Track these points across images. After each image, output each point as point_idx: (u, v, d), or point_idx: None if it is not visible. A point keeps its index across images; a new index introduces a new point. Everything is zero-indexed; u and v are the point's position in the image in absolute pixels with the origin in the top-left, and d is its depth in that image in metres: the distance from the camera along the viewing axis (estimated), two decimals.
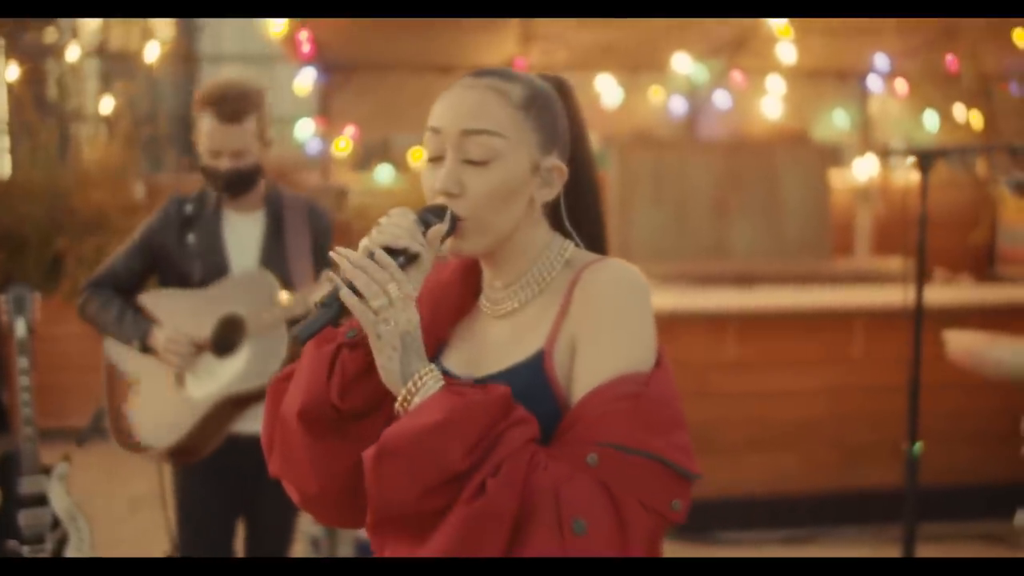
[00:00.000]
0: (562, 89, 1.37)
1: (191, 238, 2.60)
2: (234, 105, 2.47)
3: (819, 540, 4.27)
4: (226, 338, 2.57)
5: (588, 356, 1.24)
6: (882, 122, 6.93)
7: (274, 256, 2.59)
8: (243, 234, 2.63)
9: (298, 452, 1.28)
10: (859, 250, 6.71)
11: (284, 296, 2.51)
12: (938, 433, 4.37)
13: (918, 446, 2.65)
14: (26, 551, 3.01)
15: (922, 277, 2.73)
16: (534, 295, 1.32)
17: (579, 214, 1.37)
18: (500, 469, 1.16)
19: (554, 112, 1.33)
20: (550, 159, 1.32)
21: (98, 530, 3.77)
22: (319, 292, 2.33)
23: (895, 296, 4.19)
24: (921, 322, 2.72)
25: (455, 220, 1.28)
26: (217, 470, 2.63)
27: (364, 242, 1.25)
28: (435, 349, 1.37)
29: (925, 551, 4.07)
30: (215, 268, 2.59)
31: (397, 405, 1.23)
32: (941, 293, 5.12)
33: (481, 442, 1.17)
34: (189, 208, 2.62)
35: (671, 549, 4.26)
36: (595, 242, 1.38)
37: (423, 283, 1.29)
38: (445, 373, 1.27)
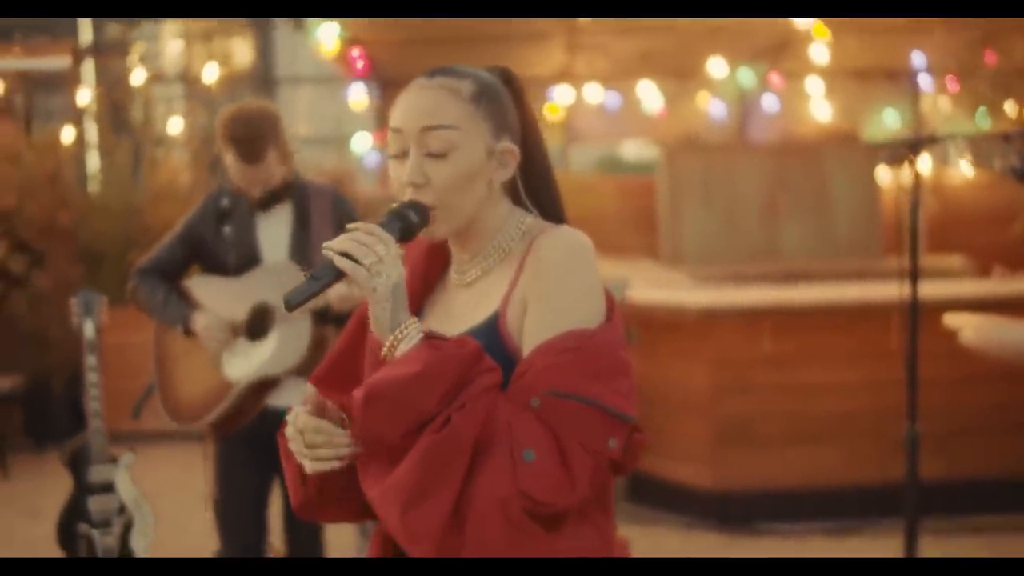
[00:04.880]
0: (508, 79, 1.53)
1: (227, 230, 2.84)
2: (252, 147, 2.70)
3: (860, 532, 4.31)
4: (257, 324, 2.80)
5: (536, 314, 1.41)
6: (934, 120, 6.92)
7: (302, 246, 2.81)
8: (274, 226, 2.85)
9: None
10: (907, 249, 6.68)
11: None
12: (980, 425, 4.40)
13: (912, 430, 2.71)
14: (96, 534, 3.27)
15: (916, 266, 2.80)
16: (496, 264, 1.48)
17: (535, 189, 1.53)
18: (465, 406, 1.35)
19: (501, 101, 1.49)
20: (502, 143, 1.48)
21: (168, 523, 4.02)
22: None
23: (940, 290, 4.24)
24: (917, 312, 2.79)
25: (428, 211, 1.45)
26: (252, 441, 2.85)
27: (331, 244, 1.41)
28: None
29: (966, 543, 4.11)
30: (248, 257, 2.82)
31: (384, 351, 1.41)
32: (994, 286, 5.11)
33: (453, 389, 1.35)
34: (225, 202, 2.86)
35: (713, 539, 4.37)
36: (553, 212, 1.54)
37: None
38: None
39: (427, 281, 1.56)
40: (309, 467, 1.43)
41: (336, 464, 1.42)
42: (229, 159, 2.75)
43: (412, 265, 1.53)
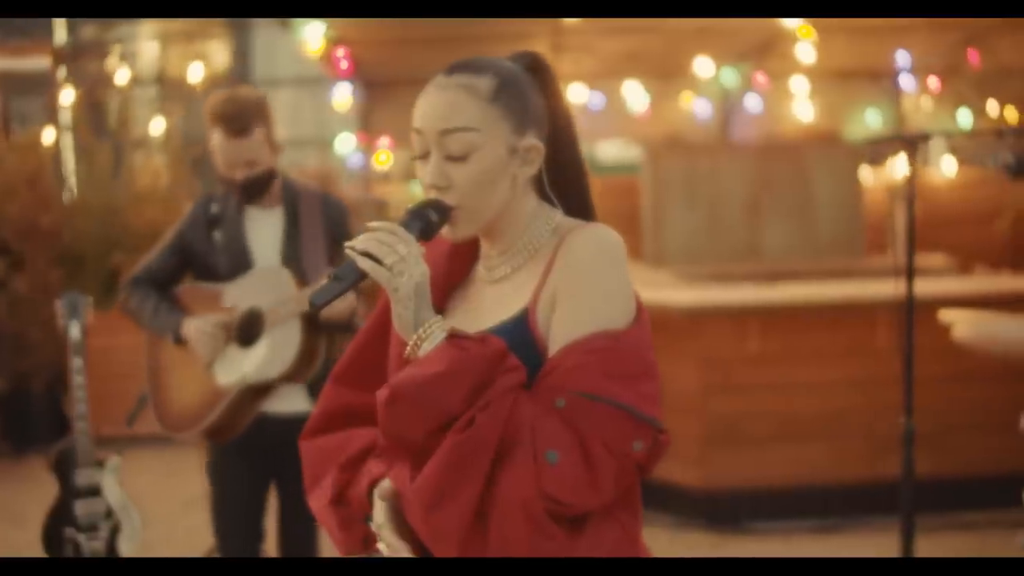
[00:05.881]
0: (536, 66, 1.50)
1: (217, 235, 2.80)
2: (240, 121, 2.66)
3: (846, 530, 4.33)
4: (248, 330, 2.77)
5: (565, 313, 1.39)
6: (915, 120, 6.97)
7: (294, 249, 2.78)
8: (264, 230, 2.82)
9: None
10: (894, 248, 6.74)
11: (298, 291, 2.70)
12: (968, 422, 4.43)
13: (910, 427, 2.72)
14: (82, 539, 3.23)
15: (912, 261, 2.81)
16: (525, 261, 1.46)
17: (562, 184, 1.50)
18: (489, 406, 1.33)
19: (524, 95, 1.45)
20: (525, 140, 1.45)
21: (153, 528, 3.98)
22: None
23: (928, 288, 4.26)
24: (913, 308, 2.81)
25: (448, 210, 1.44)
26: (246, 447, 2.82)
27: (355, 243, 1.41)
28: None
29: (955, 540, 4.13)
30: (239, 263, 2.79)
31: (408, 350, 1.40)
32: (980, 284, 5.16)
33: (477, 388, 1.34)
34: (215, 208, 2.83)
35: (700, 537, 4.37)
36: (581, 208, 1.51)
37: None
38: None
39: (452, 277, 1.54)
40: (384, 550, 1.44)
41: (408, 552, 1.42)
42: (215, 139, 2.70)
43: (436, 261, 1.51)
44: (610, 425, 1.34)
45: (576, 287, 1.39)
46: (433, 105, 1.44)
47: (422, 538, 1.39)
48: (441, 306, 1.51)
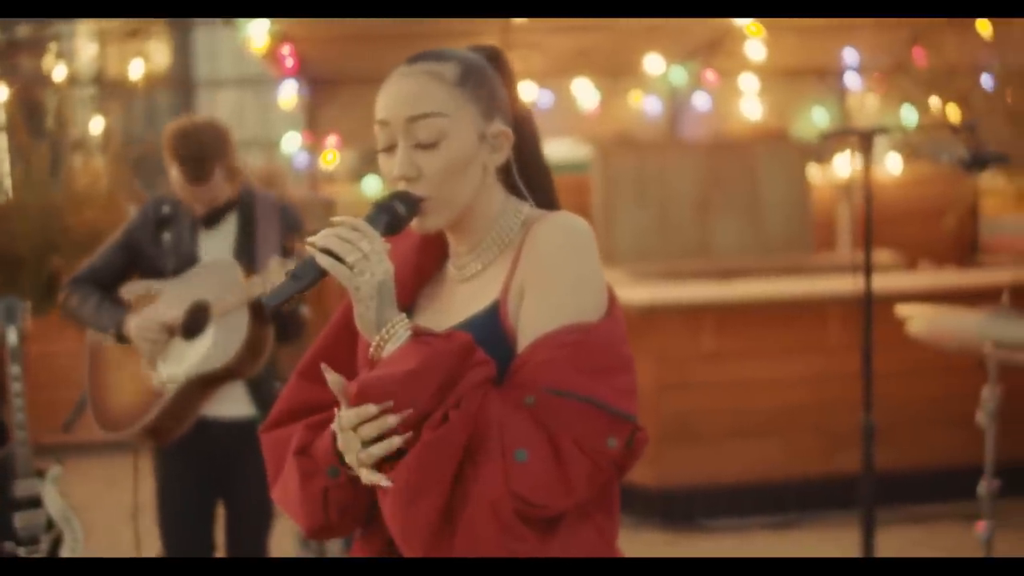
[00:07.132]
0: (495, 58, 1.46)
1: (166, 237, 2.75)
2: (198, 168, 2.63)
3: (803, 525, 4.35)
4: (194, 323, 2.70)
5: (533, 305, 1.35)
6: (861, 118, 7.04)
7: (246, 254, 2.72)
8: (216, 234, 2.77)
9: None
10: (841, 245, 6.80)
11: (244, 279, 2.64)
12: (922, 416, 4.48)
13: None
14: (22, 552, 3.11)
15: (869, 257, 2.82)
16: (495, 256, 1.42)
17: (528, 174, 1.46)
18: (461, 403, 1.28)
19: (489, 82, 1.42)
20: (494, 126, 1.41)
21: (96, 537, 3.87)
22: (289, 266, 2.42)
23: (880, 284, 4.30)
24: (871, 305, 2.81)
25: (417, 202, 1.38)
26: (190, 454, 2.76)
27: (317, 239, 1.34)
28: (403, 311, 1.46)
29: (908, 533, 4.17)
30: (188, 265, 2.72)
31: (371, 350, 1.35)
32: (916, 279, 5.23)
33: (446, 384, 1.29)
34: (166, 209, 2.78)
35: (656, 536, 4.36)
36: (547, 198, 1.48)
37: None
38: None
39: (421, 273, 1.49)
40: (376, 452, 1.29)
41: (400, 441, 1.29)
42: (174, 175, 2.69)
43: (405, 256, 1.46)
44: (581, 421, 1.30)
45: (543, 278, 1.35)
46: (398, 93, 1.39)
47: (392, 534, 1.34)
48: (409, 303, 1.46)
